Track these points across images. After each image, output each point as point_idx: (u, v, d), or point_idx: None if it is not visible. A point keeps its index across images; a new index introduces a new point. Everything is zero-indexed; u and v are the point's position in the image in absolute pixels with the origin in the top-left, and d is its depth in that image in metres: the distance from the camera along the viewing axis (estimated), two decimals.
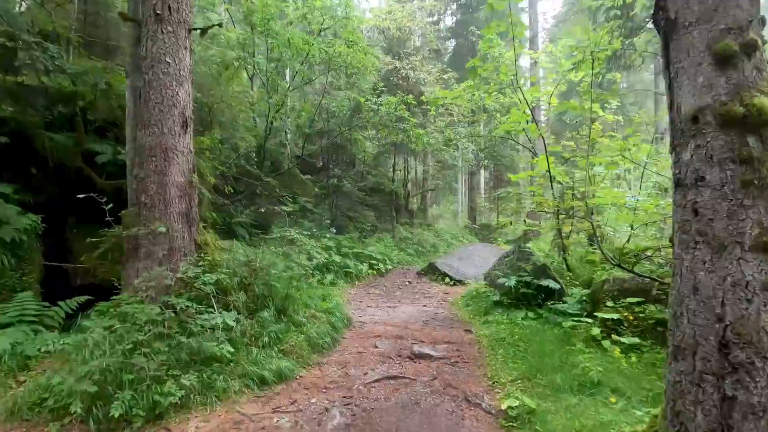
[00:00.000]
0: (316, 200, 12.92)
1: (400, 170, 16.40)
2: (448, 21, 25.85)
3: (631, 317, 4.47)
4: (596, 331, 4.24)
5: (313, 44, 8.78)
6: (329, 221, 10.93)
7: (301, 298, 5.74)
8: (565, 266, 6.89)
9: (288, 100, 11.39)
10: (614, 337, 4.35)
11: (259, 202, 9.33)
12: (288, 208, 5.91)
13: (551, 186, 6.78)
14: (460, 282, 9.10)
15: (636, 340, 4.13)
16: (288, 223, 9.95)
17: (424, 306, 7.44)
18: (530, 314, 5.71)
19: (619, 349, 4.13)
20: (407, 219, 16.76)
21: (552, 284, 5.76)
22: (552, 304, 5.75)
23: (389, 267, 10.46)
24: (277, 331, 4.54)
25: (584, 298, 5.62)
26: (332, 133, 11.80)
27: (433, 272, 9.70)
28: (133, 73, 4.95)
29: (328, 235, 9.48)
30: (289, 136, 15.40)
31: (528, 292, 5.93)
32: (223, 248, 5.73)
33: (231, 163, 8.52)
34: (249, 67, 9.58)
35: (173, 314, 4.07)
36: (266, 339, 4.33)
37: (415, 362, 4.55)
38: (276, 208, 6.03)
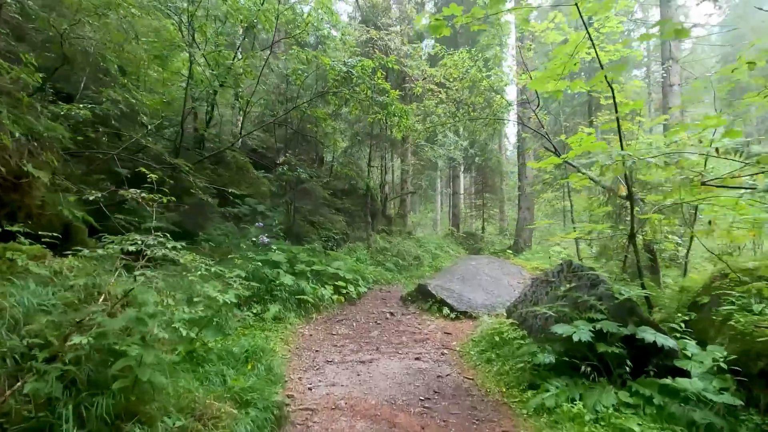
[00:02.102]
0: (273, 201, 10.06)
1: (376, 166, 13.70)
2: (429, 15, 23.67)
3: None
4: None
5: None
6: (282, 227, 8.07)
7: (180, 380, 2.86)
8: (642, 296, 4.33)
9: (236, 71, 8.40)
10: None
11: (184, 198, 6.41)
12: (156, 198, 3.06)
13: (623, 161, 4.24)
14: (465, 314, 6.36)
15: None
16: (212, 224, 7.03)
17: (417, 359, 4.70)
18: (624, 396, 3.08)
19: None
20: (385, 226, 14.03)
21: (660, 339, 3.14)
22: (660, 374, 3.15)
23: (362, 290, 7.65)
24: None
25: (721, 364, 3.05)
26: (289, 107, 8.95)
27: (424, 298, 6.92)
28: None
29: (274, 247, 6.61)
30: (240, 122, 12.52)
31: (612, 352, 3.30)
32: (54, 276, 2.88)
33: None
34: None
35: None
36: None
37: None
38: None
